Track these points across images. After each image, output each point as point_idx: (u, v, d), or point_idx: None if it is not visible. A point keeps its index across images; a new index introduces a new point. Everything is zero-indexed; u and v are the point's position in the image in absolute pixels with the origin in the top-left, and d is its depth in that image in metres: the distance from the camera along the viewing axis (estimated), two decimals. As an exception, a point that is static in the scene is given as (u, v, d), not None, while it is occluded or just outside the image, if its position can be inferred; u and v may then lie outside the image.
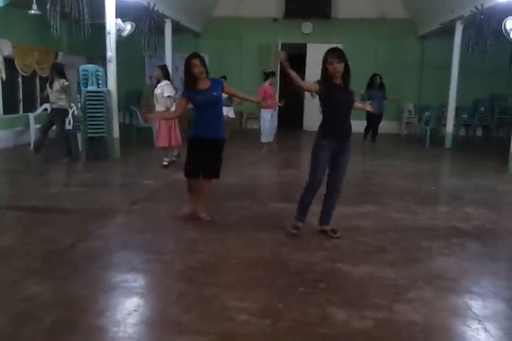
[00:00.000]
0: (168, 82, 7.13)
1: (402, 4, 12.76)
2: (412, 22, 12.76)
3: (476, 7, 8.54)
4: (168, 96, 7.01)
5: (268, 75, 9.33)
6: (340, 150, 3.93)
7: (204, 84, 4.27)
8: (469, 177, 7.05)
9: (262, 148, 9.23)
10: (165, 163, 7.35)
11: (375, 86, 9.08)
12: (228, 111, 9.83)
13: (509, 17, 7.71)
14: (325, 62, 3.79)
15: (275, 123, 10.10)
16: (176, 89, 7.50)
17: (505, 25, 7.76)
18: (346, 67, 3.79)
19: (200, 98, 4.24)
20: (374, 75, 9.25)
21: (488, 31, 8.60)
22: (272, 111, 9.29)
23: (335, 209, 4.20)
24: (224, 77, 9.62)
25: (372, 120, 9.17)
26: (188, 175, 4.44)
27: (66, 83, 7.56)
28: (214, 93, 4.27)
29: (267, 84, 9.19)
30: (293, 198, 5.62)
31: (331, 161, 3.96)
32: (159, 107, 7.05)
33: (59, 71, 7.63)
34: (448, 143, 10.45)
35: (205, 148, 4.30)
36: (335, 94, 3.81)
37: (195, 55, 4.25)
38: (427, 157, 9.07)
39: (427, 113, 11.36)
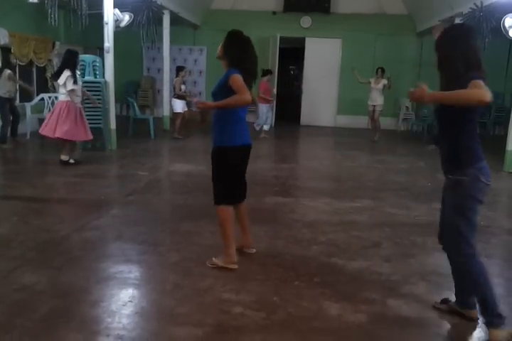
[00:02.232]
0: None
1: (401, 0, 12.71)
2: (411, 18, 12.73)
3: (475, 4, 8.53)
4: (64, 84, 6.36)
5: (265, 72, 9.93)
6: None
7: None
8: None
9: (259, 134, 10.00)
10: (71, 161, 6.61)
11: None
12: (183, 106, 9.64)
13: (508, 15, 7.71)
14: None
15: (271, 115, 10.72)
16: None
17: (503, 22, 7.76)
18: (441, 60, 2.60)
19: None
20: None
21: (486, 29, 8.59)
22: (268, 105, 10.20)
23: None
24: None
25: None
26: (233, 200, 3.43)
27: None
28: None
29: (265, 80, 9.91)
30: (289, 192, 5.67)
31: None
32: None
33: None
34: (444, 140, 10.45)
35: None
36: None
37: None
38: (423, 153, 9.08)
39: (424, 109, 11.36)
